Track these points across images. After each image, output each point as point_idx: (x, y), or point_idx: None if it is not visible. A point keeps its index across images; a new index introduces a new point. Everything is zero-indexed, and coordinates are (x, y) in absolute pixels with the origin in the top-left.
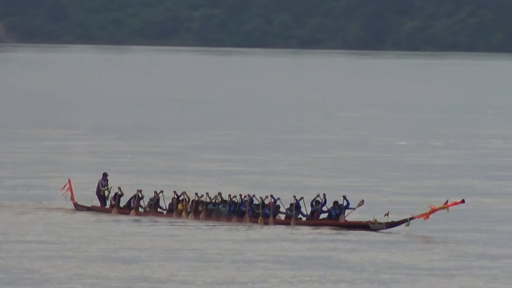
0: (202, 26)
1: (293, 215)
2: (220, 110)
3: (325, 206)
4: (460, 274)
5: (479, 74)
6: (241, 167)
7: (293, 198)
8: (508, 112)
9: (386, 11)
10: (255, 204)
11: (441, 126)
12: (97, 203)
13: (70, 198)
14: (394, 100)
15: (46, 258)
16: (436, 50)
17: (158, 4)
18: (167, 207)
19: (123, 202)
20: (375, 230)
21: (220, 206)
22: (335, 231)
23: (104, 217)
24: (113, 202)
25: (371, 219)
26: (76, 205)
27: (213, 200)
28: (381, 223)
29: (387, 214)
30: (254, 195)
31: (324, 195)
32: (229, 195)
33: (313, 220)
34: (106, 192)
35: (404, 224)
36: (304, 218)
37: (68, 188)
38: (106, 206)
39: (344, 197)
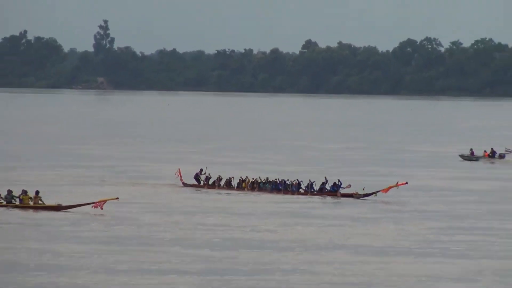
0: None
1: (308, 190)
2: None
3: (327, 185)
4: (400, 223)
5: None
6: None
7: (308, 181)
8: None
9: None
10: (287, 183)
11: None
12: (194, 182)
13: (180, 179)
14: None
15: (181, 212)
16: None
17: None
18: (236, 185)
19: (210, 182)
20: (357, 198)
21: (266, 184)
22: (334, 199)
23: (199, 190)
24: (205, 182)
25: (354, 192)
26: (184, 183)
27: (262, 181)
28: (360, 194)
29: (363, 189)
30: (288, 179)
31: (326, 178)
32: (270, 179)
33: (321, 193)
34: (203, 177)
35: (373, 195)
36: (315, 192)
37: (179, 174)
38: (200, 184)
39: (339, 180)
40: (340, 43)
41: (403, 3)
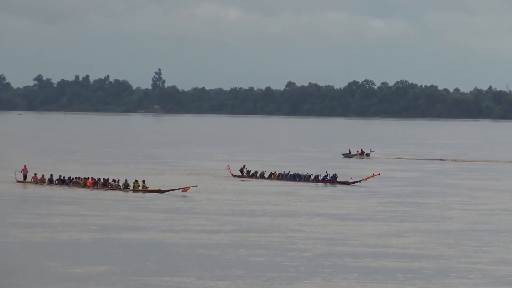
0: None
1: (315, 180)
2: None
3: (328, 176)
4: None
5: None
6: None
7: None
8: None
9: None
10: (301, 175)
11: None
12: (239, 174)
13: (229, 172)
14: None
15: (236, 192)
16: None
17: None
18: (268, 176)
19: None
20: (348, 184)
21: (288, 175)
22: (333, 185)
23: (243, 179)
24: (246, 174)
25: (348, 180)
26: (232, 175)
27: (285, 173)
28: (350, 182)
29: (351, 178)
30: (302, 173)
31: (326, 172)
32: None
33: (324, 181)
34: (245, 171)
35: (359, 182)
36: (320, 180)
37: (228, 168)
38: (243, 175)
39: (335, 174)
40: (310, 83)
41: (348, 58)
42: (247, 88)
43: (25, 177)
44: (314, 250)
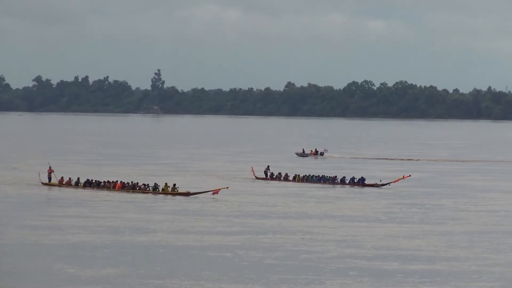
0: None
1: (340, 182)
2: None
3: (355, 179)
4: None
5: None
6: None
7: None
8: None
9: None
10: (325, 177)
11: None
12: (263, 176)
13: (253, 174)
14: None
15: (261, 194)
16: None
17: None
18: (292, 178)
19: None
20: (377, 187)
21: (313, 177)
22: (361, 188)
23: (267, 182)
24: (270, 176)
25: (377, 182)
26: (256, 177)
27: (310, 175)
28: (379, 184)
29: (380, 180)
30: (328, 175)
31: (353, 177)
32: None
33: (351, 183)
34: (268, 172)
35: (388, 185)
36: (346, 183)
37: (252, 170)
38: (267, 177)
39: (362, 176)
40: (309, 83)
41: (347, 59)
42: (247, 88)
43: (49, 178)
44: (327, 252)
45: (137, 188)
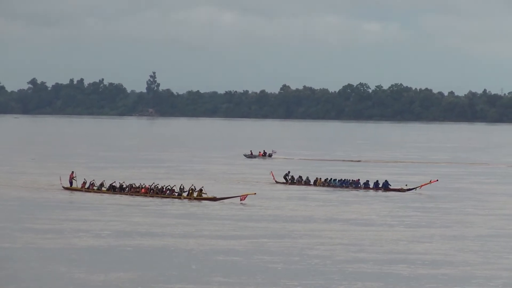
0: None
1: (363, 186)
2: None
3: (379, 183)
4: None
5: None
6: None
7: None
8: None
9: None
10: (349, 181)
11: None
12: (283, 181)
13: (273, 179)
14: None
15: (282, 199)
16: None
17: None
18: (313, 182)
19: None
20: (403, 191)
21: (335, 181)
22: (384, 192)
23: (287, 186)
24: (290, 181)
25: (402, 187)
26: (276, 181)
27: (332, 179)
28: (405, 189)
29: (406, 185)
30: (351, 179)
31: (377, 180)
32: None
33: (375, 188)
34: (287, 177)
35: (414, 189)
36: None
37: (272, 174)
38: (287, 182)
39: (386, 180)
40: (304, 86)
41: (342, 61)
42: (242, 91)
43: (71, 183)
44: (335, 256)
45: (163, 193)
